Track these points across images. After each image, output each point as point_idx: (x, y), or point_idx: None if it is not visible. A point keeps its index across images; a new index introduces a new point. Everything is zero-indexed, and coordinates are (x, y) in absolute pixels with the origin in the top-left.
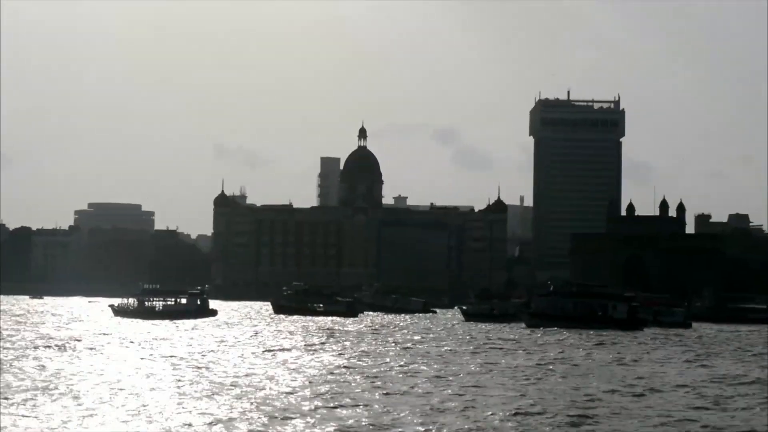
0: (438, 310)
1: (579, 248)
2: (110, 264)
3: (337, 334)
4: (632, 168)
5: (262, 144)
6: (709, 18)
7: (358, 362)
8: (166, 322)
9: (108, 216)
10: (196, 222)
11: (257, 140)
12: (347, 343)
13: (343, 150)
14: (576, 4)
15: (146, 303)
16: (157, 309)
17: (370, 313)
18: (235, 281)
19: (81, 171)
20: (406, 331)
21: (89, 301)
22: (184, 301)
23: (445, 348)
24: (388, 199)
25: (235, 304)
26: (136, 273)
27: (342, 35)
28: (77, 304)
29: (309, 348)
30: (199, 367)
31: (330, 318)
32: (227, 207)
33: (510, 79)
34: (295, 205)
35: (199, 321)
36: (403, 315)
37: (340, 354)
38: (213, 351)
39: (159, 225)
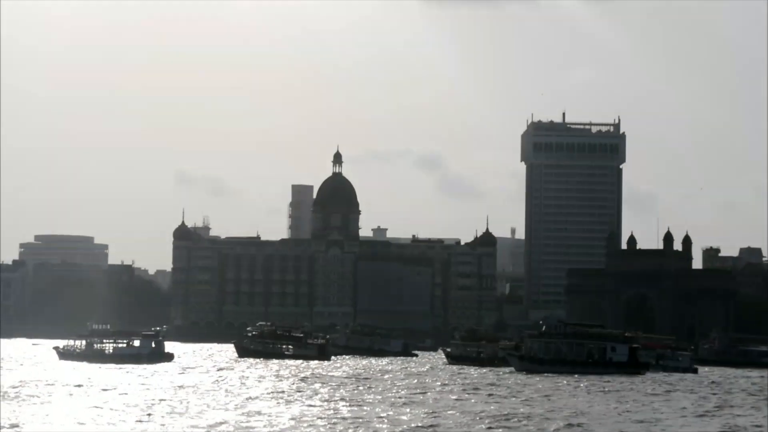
0: (420, 353)
1: (576, 285)
2: (58, 302)
3: (309, 381)
4: (634, 197)
5: (229, 171)
6: (718, 35)
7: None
8: (117, 366)
9: (57, 250)
10: (155, 256)
11: (223, 167)
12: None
13: (316, 177)
14: (571, 19)
15: (95, 345)
16: (106, 352)
17: (345, 357)
18: (196, 321)
19: (28, 200)
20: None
21: (33, 344)
22: (137, 343)
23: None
24: (366, 230)
25: (195, 347)
26: (87, 312)
27: (317, 55)
28: (19, 346)
29: (280, 396)
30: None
31: (299, 362)
32: (188, 240)
33: (500, 100)
34: (263, 237)
35: (153, 366)
36: (381, 359)
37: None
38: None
39: (113, 259)
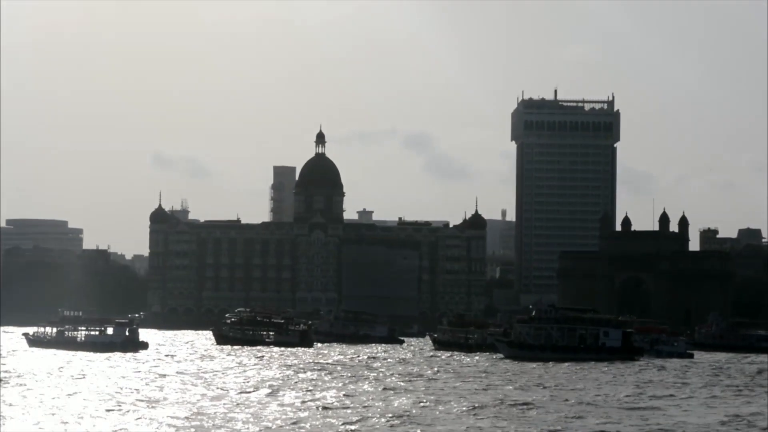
0: (407, 340)
1: (569, 269)
2: (29, 289)
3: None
4: (628, 177)
5: (208, 152)
6: (716, 9)
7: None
8: (89, 354)
9: (29, 234)
10: (132, 241)
11: (202, 148)
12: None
13: (299, 159)
14: None
15: (66, 333)
16: (78, 339)
17: (330, 344)
18: (174, 308)
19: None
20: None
21: (3, 331)
22: (110, 331)
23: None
24: (351, 213)
25: (173, 334)
26: (60, 299)
27: (300, 35)
28: None
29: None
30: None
31: (280, 349)
32: (165, 223)
33: (489, 77)
34: (244, 221)
35: (126, 354)
36: (366, 345)
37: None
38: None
39: (89, 244)
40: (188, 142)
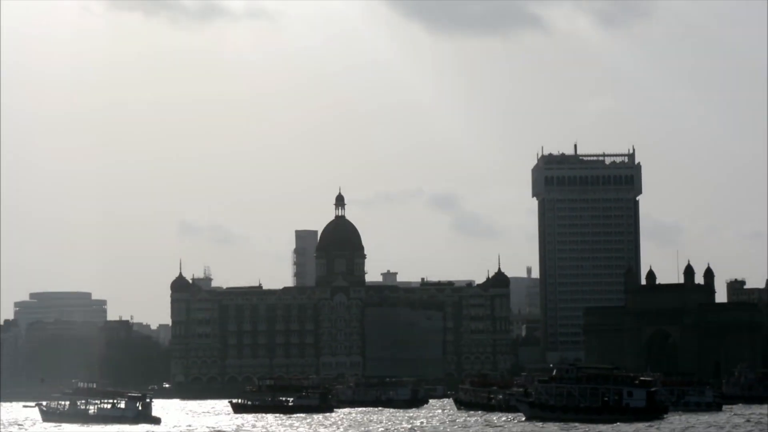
0: (431, 401)
1: (595, 325)
2: (52, 362)
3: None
4: (652, 230)
5: (232, 218)
6: (736, 60)
7: None
8: (100, 427)
9: (53, 307)
10: (156, 311)
11: (226, 214)
12: None
13: (320, 222)
14: (578, 47)
15: (79, 405)
16: (90, 413)
17: (350, 409)
18: (198, 377)
19: (22, 257)
20: None
21: (24, 406)
22: (122, 405)
23: None
24: (375, 275)
25: (193, 404)
26: (83, 372)
27: (321, 95)
28: (11, 409)
29: None
30: None
31: (297, 415)
32: (186, 291)
33: (511, 134)
34: (269, 286)
35: (136, 428)
36: (387, 409)
37: None
38: None
39: (113, 315)
40: (214, 211)
